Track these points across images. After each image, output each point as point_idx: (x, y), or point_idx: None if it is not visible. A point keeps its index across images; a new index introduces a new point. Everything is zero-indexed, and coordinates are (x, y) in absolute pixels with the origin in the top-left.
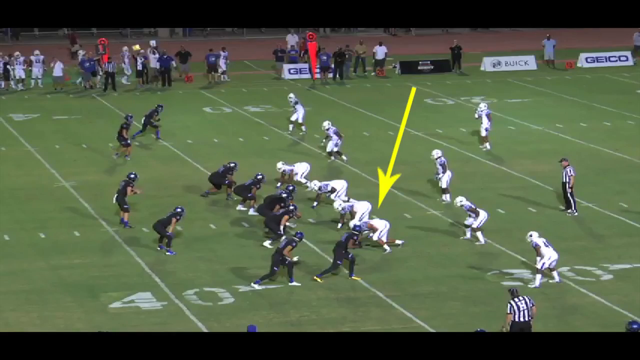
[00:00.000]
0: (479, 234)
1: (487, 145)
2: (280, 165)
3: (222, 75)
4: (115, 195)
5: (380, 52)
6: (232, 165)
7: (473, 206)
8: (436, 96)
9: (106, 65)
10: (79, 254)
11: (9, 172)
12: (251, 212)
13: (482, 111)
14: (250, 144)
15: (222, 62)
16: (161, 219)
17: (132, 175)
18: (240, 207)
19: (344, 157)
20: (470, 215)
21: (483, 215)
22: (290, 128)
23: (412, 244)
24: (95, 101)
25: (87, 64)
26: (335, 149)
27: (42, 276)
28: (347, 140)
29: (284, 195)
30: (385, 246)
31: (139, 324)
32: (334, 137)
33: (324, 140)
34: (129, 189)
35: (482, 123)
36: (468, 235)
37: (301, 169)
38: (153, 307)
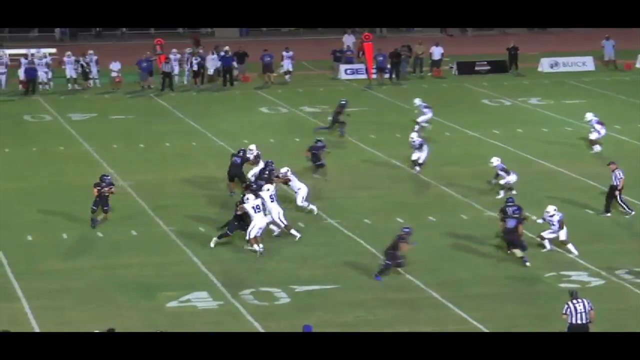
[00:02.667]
0: (569, 245)
1: (597, 147)
2: (283, 171)
3: (286, 76)
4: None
5: (437, 52)
6: (268, 162)
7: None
8: (493, 97)
9: (163, 65)
10: (135, 252)
11: (67, 170)
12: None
13: (590, 121)
14: (306, 144)
15: (286, 62)
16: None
17: (105, 177)
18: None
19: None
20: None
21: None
22: (416, 128)
23: (466, 245)
24: (152, 101)
25: (144, 64)
26: (420, 160)
27: (99, 275)
28: (402, 140)
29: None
30: (293, 231)
31: (195, 324)
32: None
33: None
34: (105, 189)
35: (593, 130)
36: (548, 247)
37: (302, 190)
38: (209, 307)
